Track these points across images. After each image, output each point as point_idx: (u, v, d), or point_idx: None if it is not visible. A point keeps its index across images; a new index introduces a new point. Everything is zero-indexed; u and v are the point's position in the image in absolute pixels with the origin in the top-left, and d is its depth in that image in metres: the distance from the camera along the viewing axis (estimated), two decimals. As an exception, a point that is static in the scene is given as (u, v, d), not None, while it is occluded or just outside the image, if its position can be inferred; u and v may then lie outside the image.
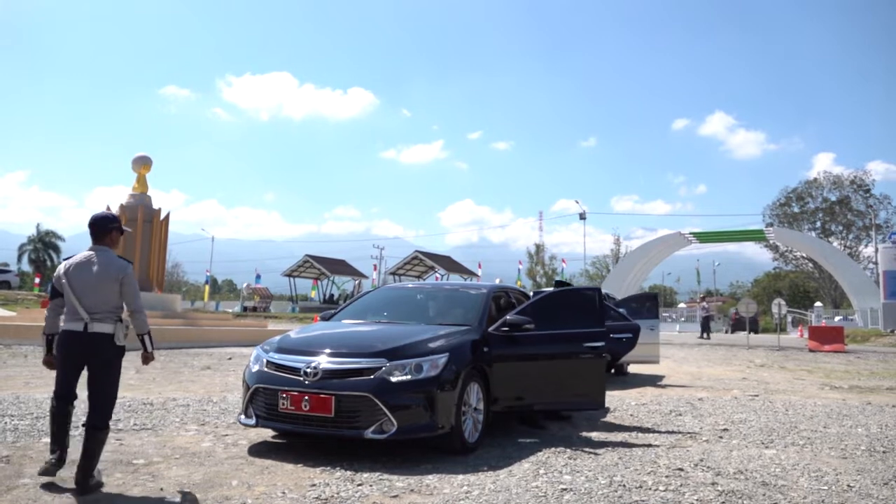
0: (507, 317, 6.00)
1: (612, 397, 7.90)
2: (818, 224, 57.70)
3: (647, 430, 6.49)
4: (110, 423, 4.24)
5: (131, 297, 4.20)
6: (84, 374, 4.21)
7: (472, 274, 52.96)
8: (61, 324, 4.20)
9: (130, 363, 11.40)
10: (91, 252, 4.22)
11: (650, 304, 12.35)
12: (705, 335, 29.08)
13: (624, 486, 4.35)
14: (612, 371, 11.72)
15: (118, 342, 4.15)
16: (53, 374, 4.24)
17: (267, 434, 5.73)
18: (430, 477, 4.48)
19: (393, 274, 53.24)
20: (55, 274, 4.26)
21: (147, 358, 4.34)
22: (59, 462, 4.15)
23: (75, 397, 4.24)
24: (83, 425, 4.19)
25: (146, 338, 4.27)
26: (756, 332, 36.96)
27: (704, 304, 33.34)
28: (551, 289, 6.90)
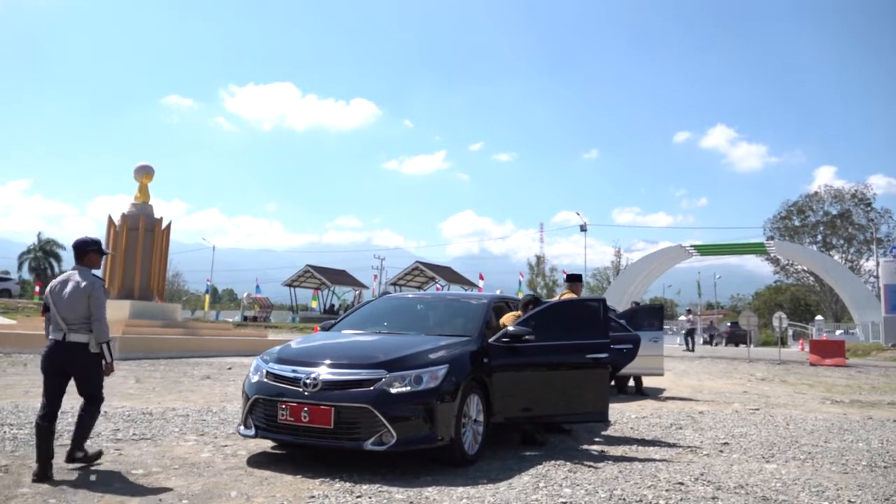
0: (508, 328, 5.99)
1: (613, 410, 7.86)
2: (819, 238, 57.73)
3: (648, 444, 6.47)
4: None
5: (95, 308, 4.70)
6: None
7: (472, 285, 52.89)
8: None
9: (131, 373, 11.39)
10: (72, 271, 4.87)
11: (654, 316, 12.33)
12: (690, 348, 29.48)
13: (624, 499, 4.33)
14: (612, 383, 11.66)
15: (92, 350, 4.69)
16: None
17: (266, 445, 5.71)
18: (429, 489, 4.46)
19: (393, 284, 53.19)
20: (45, 291, 4.91)
21: (107, 367, 4.78)
22: (46, 467, 4.49)
23: (59, 408, 4.71)
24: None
25: (105, 347, 4.72)
26: (747, 345, 37.51)
27: (690, 317, 34.19)
28: (551, 300, 6.90)
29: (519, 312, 6.66)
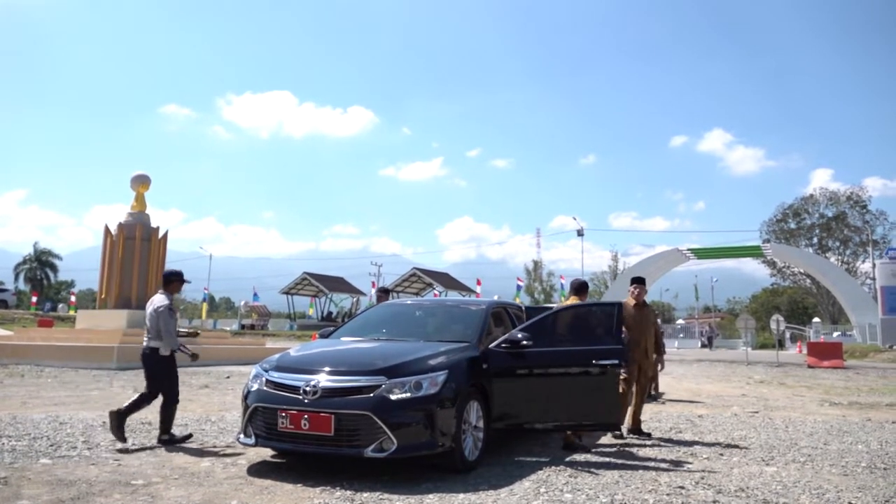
0: (510, 333, 5.97)
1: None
2: (815, 240, 57.89)
3: (648, 448, 6.47)
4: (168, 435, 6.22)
5: (162, 325, 6.19)
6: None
7: (470, 291, 52.86)
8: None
9: (129, 382, 11.34)
10: (157, 295, 6.40)
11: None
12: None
13: (625, 504, 4.33)
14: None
15: (161, 353, 6.20)
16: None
17: (266, 453, 5.70)
18: (430, 497, 4.45)
19: (391, 291, 53.15)
20: None
21: (193, 356, 6.45)
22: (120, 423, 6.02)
23: (156, 396, 6.24)
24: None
25: (181, 349, 6.33)
26: (710, 348, 39.71)
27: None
28: (549, 305, 6.88)
29: (573, 299, 7.09)
